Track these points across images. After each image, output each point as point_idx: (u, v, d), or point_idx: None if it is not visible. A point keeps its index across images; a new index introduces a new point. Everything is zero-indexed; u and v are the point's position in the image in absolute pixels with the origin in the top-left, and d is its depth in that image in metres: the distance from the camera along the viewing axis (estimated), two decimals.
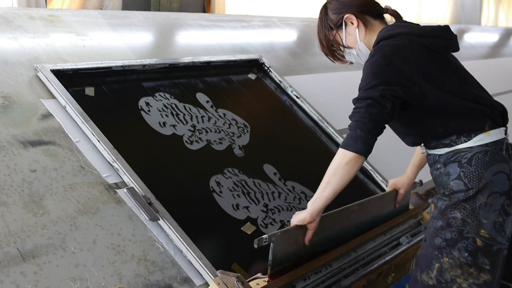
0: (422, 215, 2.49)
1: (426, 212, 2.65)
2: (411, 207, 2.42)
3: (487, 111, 1.78)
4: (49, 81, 1.93)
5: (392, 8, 1.94)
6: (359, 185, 2.51)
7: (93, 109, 1.95)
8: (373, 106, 1.68)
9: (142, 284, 1.58)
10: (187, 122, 2.21)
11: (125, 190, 1.75)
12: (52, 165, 1.71)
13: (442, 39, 1.84)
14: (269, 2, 6.12)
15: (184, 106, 2.27)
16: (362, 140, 1.68)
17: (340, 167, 1.70)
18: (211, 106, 2.37)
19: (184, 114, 2.23)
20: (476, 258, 1.75)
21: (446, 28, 1.88)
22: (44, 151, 1.74)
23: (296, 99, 2.74)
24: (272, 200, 2.14)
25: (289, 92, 2.75)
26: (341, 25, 1.89)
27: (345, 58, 1.95)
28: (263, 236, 1.66)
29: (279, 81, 2.77)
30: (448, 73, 1.80)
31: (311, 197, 2.26)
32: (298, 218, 1.78)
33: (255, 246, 1.65)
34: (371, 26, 1.89)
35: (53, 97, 1.92)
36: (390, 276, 2.18)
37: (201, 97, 2.38)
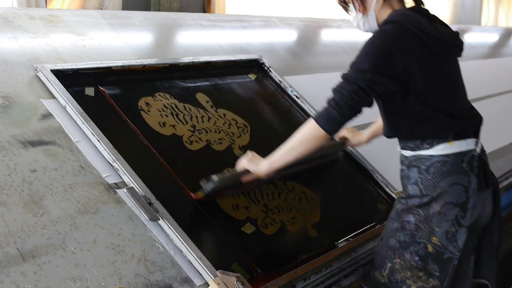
0: None
1: None
2: None
3: (456, 124, 1.80)
4: (49, 81, 1.93)
5: None
6: (359, 186, 2.51)
7: (93, 109, 1.95)
8: (357, 94, 1.71)
9: (142, 284, 1.58)
10: (187, 122, 2.21)
11: (125, 190, 1.75)
12: (52, 165, 1.71)
13: (448, 44, 1.82)
14: (269, 2, 6.12)
15: (184, 106, 2.27)
16: (337, 123, 1.74)
17: (309, 140, 1.77)
18: (211, 106, 2.37)
19: (184, 114, 2.23)
20: (426, 264, 1.78)
21: (455, 34, 1.86)
22: (44, 151, 1.74)
23: (296, 99, 2.74)
24: (272, 200, 2.14)
25: (289, 92, 2.75)
26: None
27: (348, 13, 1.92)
28: (212, 176, 1.84)
29: (279, 81, 2.78)
30: (437, 78, 1.80)
31: (312, 197, 2.26)
32: (252, 168, 1.87)
33: (201, 184, 1.86)
34: (389, 2, 1.84)
35: (53, 97, 1.92)
36: None
37: (201, 97, 2.38)
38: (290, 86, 2.77)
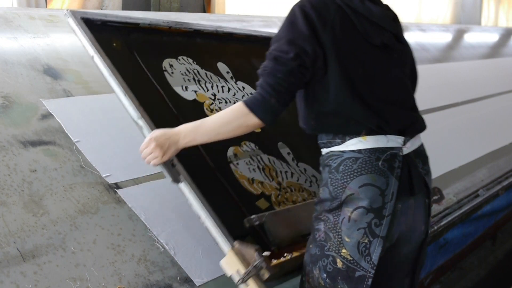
0: None
1: None
2: None
3: (371, 117, 1.52)
4: (79, 28, 1.86)
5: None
6: None
7: (119, 63, 1.87)
8: (293, 75, 1.48)
9: (142, 284, 1.58)
10: (208, 90, 2.19)
11: None
12: (52, 165, 1.71)
13: (377, 26, 1.58)
14: (269, 2, 6.13)
15: (206, 73, 2.25)
16: (275, 110, 1.50)
17: (239, 127, 1.53)
18: (231, 78, 2.34)
19: (206, 82, 2.21)
20: (335, 283, 1.51)
21: (386, 15, 1.61)
22: (44, 151, 1.74)
23: None
24: (285, 179, 2.12)
25: None
26: None
27: None
28: (252, 216, 1.69)
29: None
30: (357, 63, 1.54)
31: (322, 181, 2.23)
32: (168, 144, 1.56)
33: (246, 225, 1.68)
34: None
35: (54, 97, 1.92)
36: None
37: (222, 67, 2.35)
38: None
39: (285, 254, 1.72)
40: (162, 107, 1.96)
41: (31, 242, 1.49)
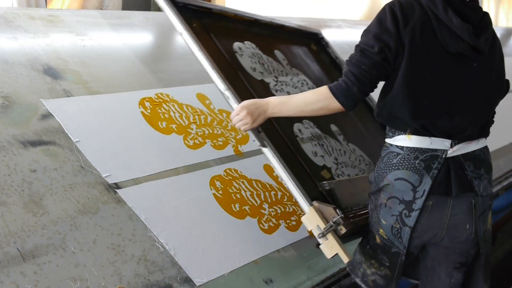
0: None
1: None
2: None
3: (418, 120, 1.63)
4: (168, 7, 2.02)
5: None
6: None
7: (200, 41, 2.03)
8: (376, 68, 1.63)
9: (142, 284, 1.58)
10: (271, 73, 2.36)
11: None
12: (52, 165, 1.71)
13: (456, 36, 1.64)
14: (269, 2, 6.13)
15: (267, 58, 2.43)
16: (355, 98, 1.66)
17: (322, 109, 1.70)
18: (287, 64, 2.53)
19: (268, 65, 2.39)
20: (375, 253, 1.73)
21: (467, 28, 1.64)
22: (44, 151, 1.74)
23: None
24: (340, 156, 2.28)
25: (343, 69, 2.82)
26: None
27: None
28: (323, 182, 1.94)
29: (335, 57, 2.86)
30: (427, 67, 1.64)
31: (369, 161, 2.42)
32: (258, 112, 1.77)
33: (319, 189, 1.92)
34: None
35: (54, 97, 1.92)
36: None
37: (278, 54, 2.54)
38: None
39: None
40: (238, 83, 2.11)
41: (31, 242, 1.49)
